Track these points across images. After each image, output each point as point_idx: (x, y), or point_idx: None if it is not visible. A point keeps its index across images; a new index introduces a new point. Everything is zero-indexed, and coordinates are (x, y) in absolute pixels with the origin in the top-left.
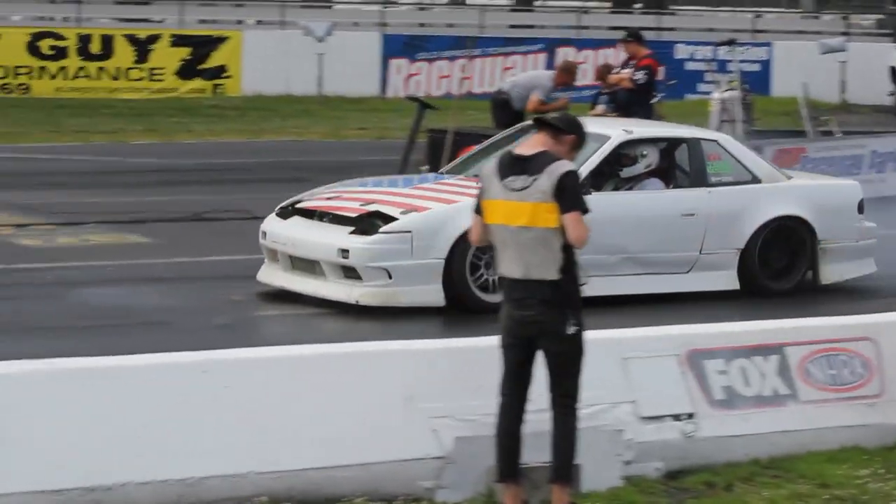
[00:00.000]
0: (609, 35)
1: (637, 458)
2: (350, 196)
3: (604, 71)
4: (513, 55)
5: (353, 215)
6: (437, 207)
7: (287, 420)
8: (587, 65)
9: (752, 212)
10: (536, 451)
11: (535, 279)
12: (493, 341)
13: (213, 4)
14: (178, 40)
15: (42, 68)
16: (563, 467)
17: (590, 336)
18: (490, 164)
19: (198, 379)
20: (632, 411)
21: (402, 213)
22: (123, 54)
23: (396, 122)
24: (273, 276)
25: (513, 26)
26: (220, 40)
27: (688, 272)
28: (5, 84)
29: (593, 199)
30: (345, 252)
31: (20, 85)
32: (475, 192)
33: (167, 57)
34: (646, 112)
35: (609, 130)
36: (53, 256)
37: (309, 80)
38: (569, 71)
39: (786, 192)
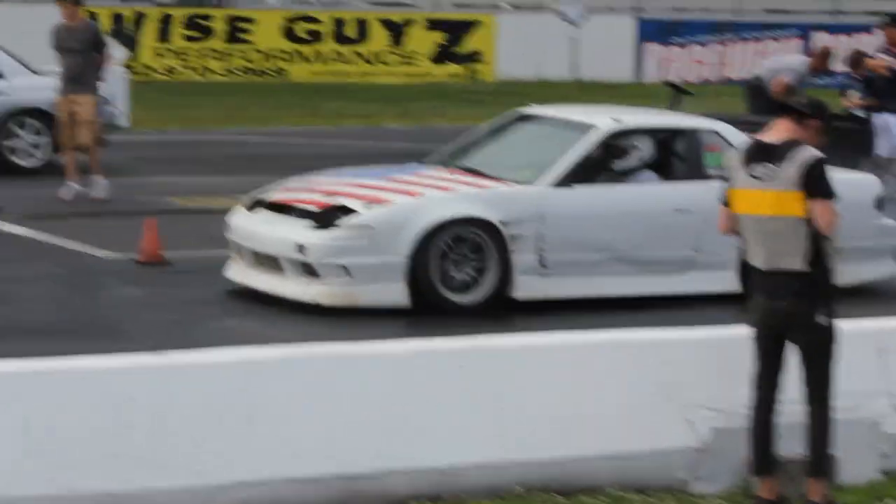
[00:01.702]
0: (867, 20)
1: (895, 451)
2: (319, 188)
3: (855, 57)
4: (768, 40)
5: (316, 209)
6: (402, 201)
7: (543, 409)
8: (842, 50)
9: None
10: (792, 443)
11: (783, 269)
12: (748, 332)
13: None
14: (433, 25)
15: (298, 52)
16: (819, 460)
17: (846, 327)
18: (736, 153)
19: (454, 367)
20: (889, 403)
21: (365, 206)
22: (378, 38)
23: (652, 108)
24: (237, 272)
25: (769, 10)
26: (475, 24)
27: (683, 272)
28: (261, 68)
29: (575, 192)
30: (302, 248)
31: (276, 69)
32: (451, 184)
33: (422, 41)
34: None
35: (595, 119)
36: None
37: (563, 64)
38: (824, 57)
39: None
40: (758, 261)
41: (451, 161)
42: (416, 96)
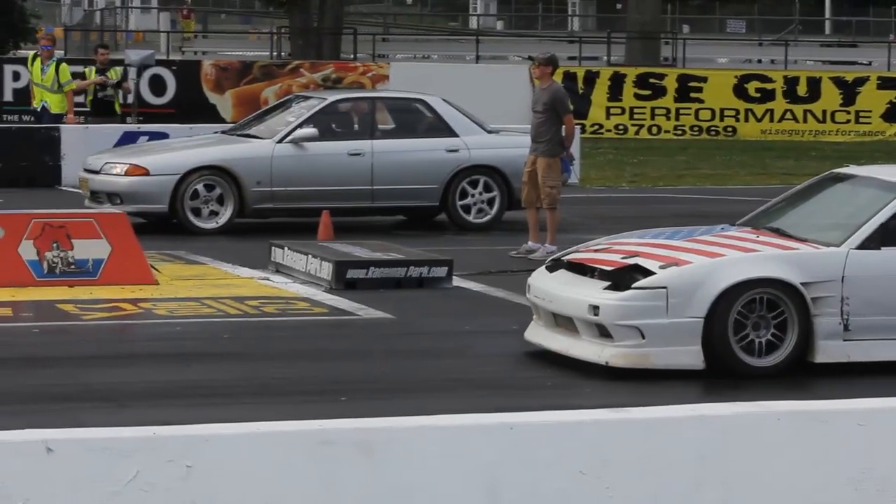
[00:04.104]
0: None
1: None
2: (619, 248)
3: None
4: None
5: (611, 269)
6: (698, 261)
7: None
8: None
9: None
10: None
11: None
12: None
13: None
14: (885, 82)
15: (748, 111)
16: None
17: None
18: None
19: None
20: None
21: (661, 267)
22: (830, 97)
23: None
24: (535, 333)
25: None
26: None
27: None
28: (712, 126)
29: (882, 255)
30: (595, 309)
31: (727, 127)
32: (753, 245)
33: (874, 99)
34: None
35: None
36: None
37: None
38: None
39: None
40: None
41: (759, 222)
42: (868, 155)
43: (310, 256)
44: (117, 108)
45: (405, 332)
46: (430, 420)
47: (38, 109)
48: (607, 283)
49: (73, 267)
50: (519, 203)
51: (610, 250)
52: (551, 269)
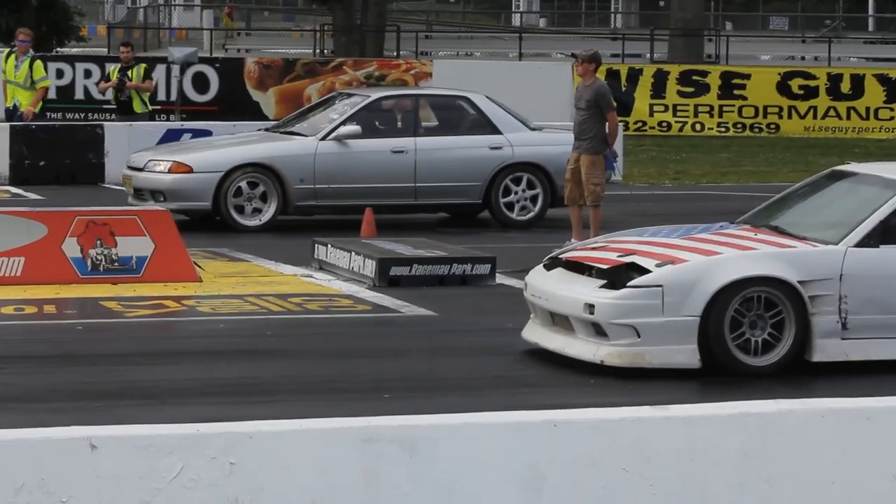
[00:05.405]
0: None
1: None
2: (616, 247)
3: None
4: None
5: (607, 267)
6: (695, 259)
7: None
8: None
9: None
10: None
11: None
12: None
13: None
14: None
15: (791, 108)
16: None
17: None
18: None
19: None
20: None
21: (658, 265)
22: (873, 94)
23: None
24: (533, 332)
25: None
26: None
27: None
28: (755, 123)
29: (880, 253)
30: (591, 307)
31: (770, 124)
32: (750, 243)
33: None
34: None
35: None
36: None
37: None
38: None
39: None
40: None
41: (758, 220)
42: None
43: (353, 253)
44: (137, 107)
45: (448, 330)
46: (473, 417)
47: (11, 108)
48: (603, 282)
49: (116, 264)
50: (562, 200)
51: (607, 248)
52: (548, 267)
